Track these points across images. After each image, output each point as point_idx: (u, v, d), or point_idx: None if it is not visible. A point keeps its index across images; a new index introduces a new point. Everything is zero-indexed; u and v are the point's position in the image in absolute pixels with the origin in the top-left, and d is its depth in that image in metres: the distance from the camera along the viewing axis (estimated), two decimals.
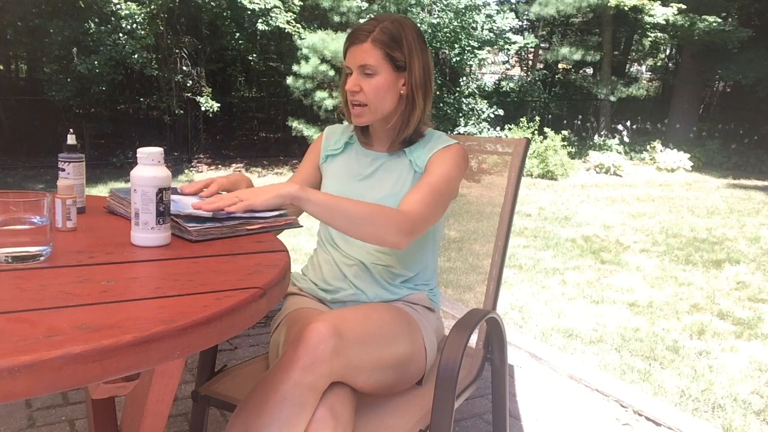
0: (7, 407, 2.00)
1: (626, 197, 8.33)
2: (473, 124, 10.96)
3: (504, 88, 14.97)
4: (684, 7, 11.57)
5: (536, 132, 10.50)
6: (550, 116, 14.44)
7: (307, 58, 9.45)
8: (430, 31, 10.42)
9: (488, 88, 13.43)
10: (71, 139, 1.34)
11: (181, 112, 10.51)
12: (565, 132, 11.15)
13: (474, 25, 10.76)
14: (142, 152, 1.08)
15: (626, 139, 13.03)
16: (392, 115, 1.42)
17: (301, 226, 1.28)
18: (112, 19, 9.10)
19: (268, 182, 1.64)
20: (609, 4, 11.69)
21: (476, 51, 11.07)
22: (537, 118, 11.54)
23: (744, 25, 12.36)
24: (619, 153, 12.08)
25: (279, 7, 9.59)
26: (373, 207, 1.26)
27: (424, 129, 1.47)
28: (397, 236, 1.24)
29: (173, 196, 1.31)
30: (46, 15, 9.50)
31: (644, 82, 19.37)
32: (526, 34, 14.57)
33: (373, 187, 1.44)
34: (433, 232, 1.49)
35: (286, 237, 1.51)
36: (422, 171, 1.42)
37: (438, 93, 10.60)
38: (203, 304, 0.81)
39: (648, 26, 13.57)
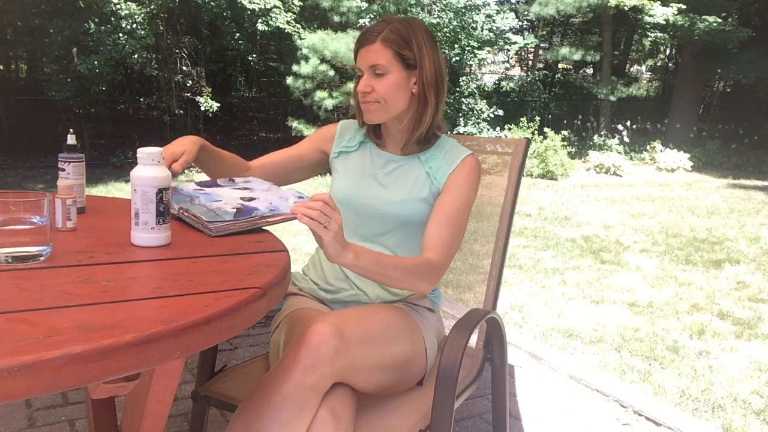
0: (7, 407, 2.00)
1: (626, 197, 8.32)
2: (473, 124, 10.96)
3: (504, 88, 14.96)
4: (684, 7, 11.57)
5: (536, 132, 10.50)
6: (550, 116, 14.44)
7: (307, 58, 9.45)
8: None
9: (488, 88, 13.43)
10: (71, 139, 1.34)
11: (181, 112, 10.50)
12: (565, 132, 11.14)
13: (474, 25, 10.75)
14: (142, 152, 1.08)
15: (626, 139, 13.03)
16: (405, 115, 1.42)
17: None
18: (112, 19, 9.09)
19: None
20: (609, 4, 11.69)
21: (476, 51, 11.06)
22: (537, 118, 11.54)
23: (744, 25, 12.35)
24: (619, 153, 12.07)
25: (279, 7, 9.59)
26: (408, 266, 1.29)
27: (438, 132, 1.47)
28: (429, 287, 1.35)
29: (206, 189, 1.32)
30: (46, 15, 9.49)
31: (644, 82, 19.36)
32: (526, 34, 14.58)
33: (388, 190, 1.44)
34: None
35: (286, 237, 1.51)
36: (440, 186, 1.42)
37: None
38: (203, 304, 0.81)
39: (648, 26, 13.57)
